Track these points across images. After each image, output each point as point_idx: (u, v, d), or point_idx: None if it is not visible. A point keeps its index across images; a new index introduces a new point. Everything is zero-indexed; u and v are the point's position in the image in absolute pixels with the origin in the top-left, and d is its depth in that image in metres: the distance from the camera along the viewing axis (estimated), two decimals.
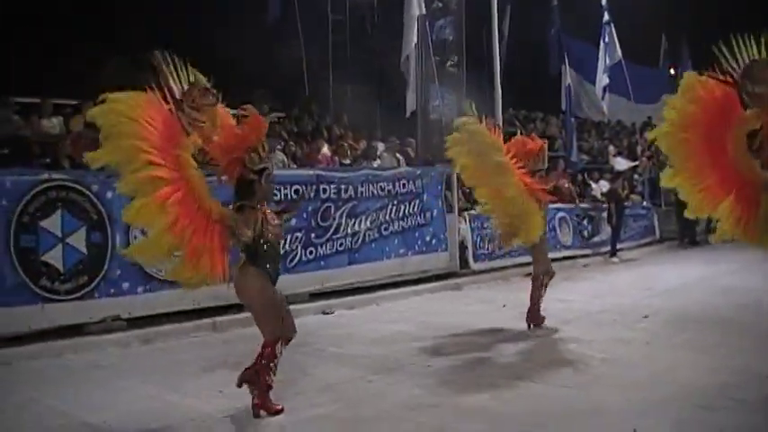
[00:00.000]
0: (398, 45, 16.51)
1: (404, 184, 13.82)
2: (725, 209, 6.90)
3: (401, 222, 13.70)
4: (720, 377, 7.22)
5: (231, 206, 6.42)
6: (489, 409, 6.52)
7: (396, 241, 13.58)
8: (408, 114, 16.76)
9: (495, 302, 12.30)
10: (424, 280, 14.00)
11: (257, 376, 6.45)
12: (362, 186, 12.98)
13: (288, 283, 11.18)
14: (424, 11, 15.81)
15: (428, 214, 14.26)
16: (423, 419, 6.31)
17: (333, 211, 12.34)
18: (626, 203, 19.83)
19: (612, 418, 6.14)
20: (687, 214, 7.37)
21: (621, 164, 22.38)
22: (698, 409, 6.30)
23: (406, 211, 13.81)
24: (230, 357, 8.59)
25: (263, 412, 6.45)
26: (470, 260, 15.42)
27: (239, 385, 6.51)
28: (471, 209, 15.54)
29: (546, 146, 10.35)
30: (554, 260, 16.93)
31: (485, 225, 15.74)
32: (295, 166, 13.67)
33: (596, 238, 19.06)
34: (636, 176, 22.91)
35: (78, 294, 9.52)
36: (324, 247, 12.22)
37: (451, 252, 14.79)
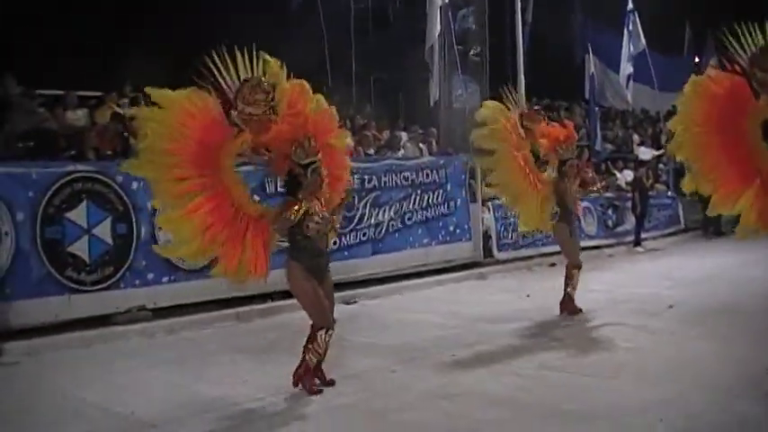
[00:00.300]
0: (421, 34, 16.47)
1: (427, 174, 13.81)
2: (745, 202, 6.86)
3: (425, 212, 13.69)
4: (745, 368, 7.17)
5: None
6: (514, 399, 6.53)
7: (419, 231, 13.57)
8: (432, 104, 16.73)
9: (519, 292, 12.26)
10: (447, 270, 13.98)
11: (304, 354, 6.77)
12: (386, 176, 12.98)
13: None
14: (446, 0, 15.75)
15: (451, 204, 14.23)
16: (448, 409, 6.32)
17: (356, 201, 12.34)
18: (650, 193, 19.67)
19: (636, 409, 6.11)
20: (709, 212, 7.35)
21: (646, 153, 22.20)
22: (722, 399, 6.27)
23: (430, 200, 13.79)
24: (253, 347, 8.65)
25: (300, 387, 6.82)
26: (494, 249, 15.36)
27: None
28: (496, 198, 15.51)
29: (575, 133, 10.42)
30: (581, 249, 17.04)
31: (508, 215, 15.67)
32: None
33: (621, 228, 18.93)
34: (661, 166, 22.70)
35: (104, 285, 9.63)
36: (347, 237, 12.24)
37: (475, 242, 14.75)
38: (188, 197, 6.37)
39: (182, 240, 6.61)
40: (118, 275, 9.73)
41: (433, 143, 16.31)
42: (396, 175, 13.19)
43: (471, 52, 16.05)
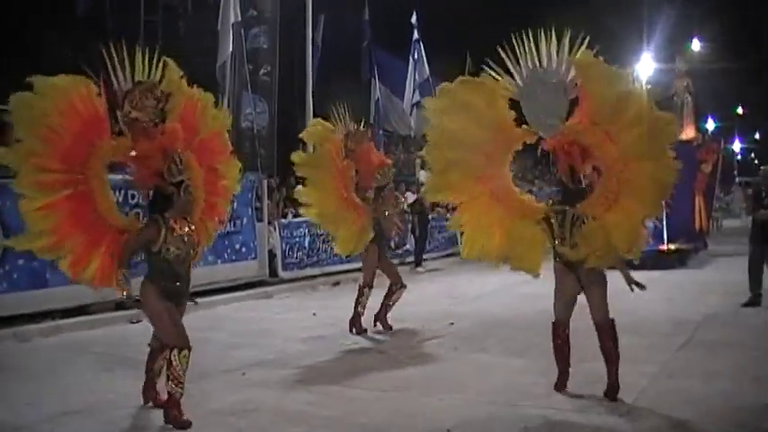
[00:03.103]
0: (212, 50, 16.30)
1: None
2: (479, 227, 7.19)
3: None
4: (523, 377, 7.62)
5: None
6: (308, 414, 6.60)
7: (205, 249, 13.35)
8: None
9: (305, 310, 12.37)
10: (233, 288, 13.89)
11: (167, 382, 6.30)
12: None
13: (96, 292, 10.88)
14: (239, 18, 15.70)
15: (238, 222, 14.17)
16: (242, 425, 6.30)
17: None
18: (430, 215, 20.37)
19: (427, 419, 6.34)
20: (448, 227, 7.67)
21: (427, 176, 22.93)
22: (506, 406, 6.66)
23: None
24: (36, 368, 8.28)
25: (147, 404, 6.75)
26: (279, 269, 15.45)
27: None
28: (284, 217, 15.63)
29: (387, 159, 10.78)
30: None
31: (294, 234, 15.87)
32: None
33: (402, 249, 19.46)
34: None
35: None
36: None
37: (261, 260, 14.76)
38: (49, 191, 5.95)
39: (34, 233, 6.08)
40: None
41: None
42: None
43: (261, 71, 16.06)
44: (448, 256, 21.39)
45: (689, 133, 23.85)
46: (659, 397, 6.90)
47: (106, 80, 6.08)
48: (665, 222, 18.31)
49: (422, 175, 23.06)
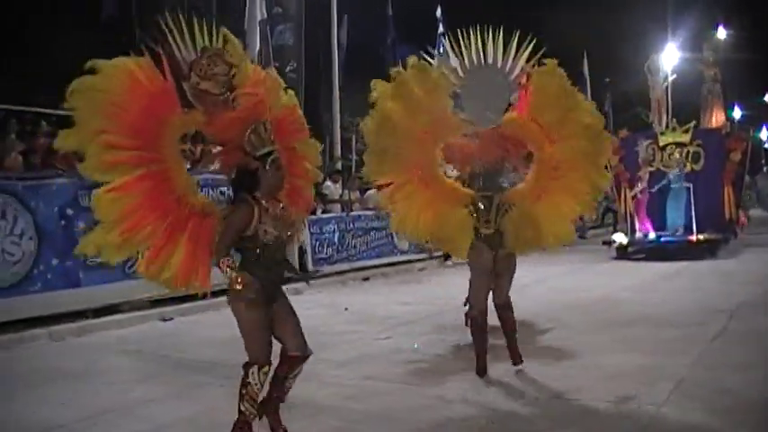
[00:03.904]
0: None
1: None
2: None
3: None
4: (559, 369, 7.60)
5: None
6: (345, 408, 6.62)
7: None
8: None
9: (336, 306, 12.38)
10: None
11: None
12: (203, 191, 12.67)
13: (126, 288, 10.98)
14: (265, 16, 15.73)
15: None
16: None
17: None
18: None
19: (460, 413, 6.35)
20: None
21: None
22: (546, 400, 6.63)
23: None
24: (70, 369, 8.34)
25: None
26: (309, 265, 15.47)
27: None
28: (313, 213, 15.64)
29: None
30: (392, 264, 17.42)
31: (323, 230, 15.87)
32: None
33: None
34: None
35: None
36: None
37: (290, 256, 14.74)
38: (119, 170, 5.16)
39: (105, 226, 5.18)
40: None
41: None
42: (212, 190, 12.97)
43: (288, 68, 16.09)
44: None
45: (718, 121, 23.67)
46: (697, 388, 6.85)
47: (169, 52, 5.38)
48: (693, 212, 18.23)
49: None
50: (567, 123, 7.09)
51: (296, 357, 5.63)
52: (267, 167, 5.41)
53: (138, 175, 5.22)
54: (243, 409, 5.45)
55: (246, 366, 5.44)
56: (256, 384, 5.42)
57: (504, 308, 7.61)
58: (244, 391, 5.44)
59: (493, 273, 7.41)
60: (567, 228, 7.47)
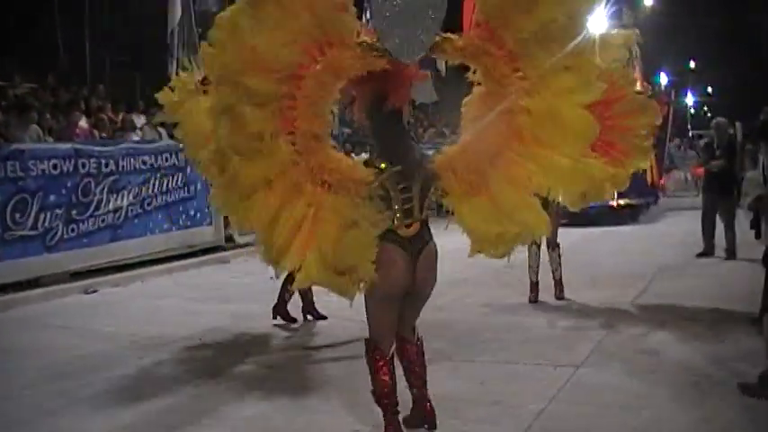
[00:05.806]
0: (161, 15, 16.00)
1: (166, 158, 13.43)
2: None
3: (165, 197, 13.33)
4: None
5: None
6: (269, 378, 6.60)
7: (160, 216, 13.23)
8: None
9: (263, 274, 12.27)
10: (190, 254, 13.77)
11: None
12: (123, 160, 12.46)
13: (48, 262, 10.80)
14: None
15: (192, 188, 13.96)
16: (202, 392, 6.28)
17: (93, 187, 11.80)
18: None
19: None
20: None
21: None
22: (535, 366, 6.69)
23: (170, 185, 13.45)
24: None
25: None
26: (235, 234, 15.31)
27: None
28: None
29: None
30: None
31: None
32: (52, 140, 12.99)
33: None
34: None
35: None
36: (85, 224, 11.65)
37: (216, 225, 14.59)
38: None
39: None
40: None
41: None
42: (134, 159, 12.75)
43: None
44: None
45: (639, 85, 23.96)
46: (616, 348, 7.00)
47: None
48: None
49: None
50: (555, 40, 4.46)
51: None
52: None
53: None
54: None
55: None
56: None
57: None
58: None
59: (407, 284, 4.71)
60: (537, 212, 4.70)
